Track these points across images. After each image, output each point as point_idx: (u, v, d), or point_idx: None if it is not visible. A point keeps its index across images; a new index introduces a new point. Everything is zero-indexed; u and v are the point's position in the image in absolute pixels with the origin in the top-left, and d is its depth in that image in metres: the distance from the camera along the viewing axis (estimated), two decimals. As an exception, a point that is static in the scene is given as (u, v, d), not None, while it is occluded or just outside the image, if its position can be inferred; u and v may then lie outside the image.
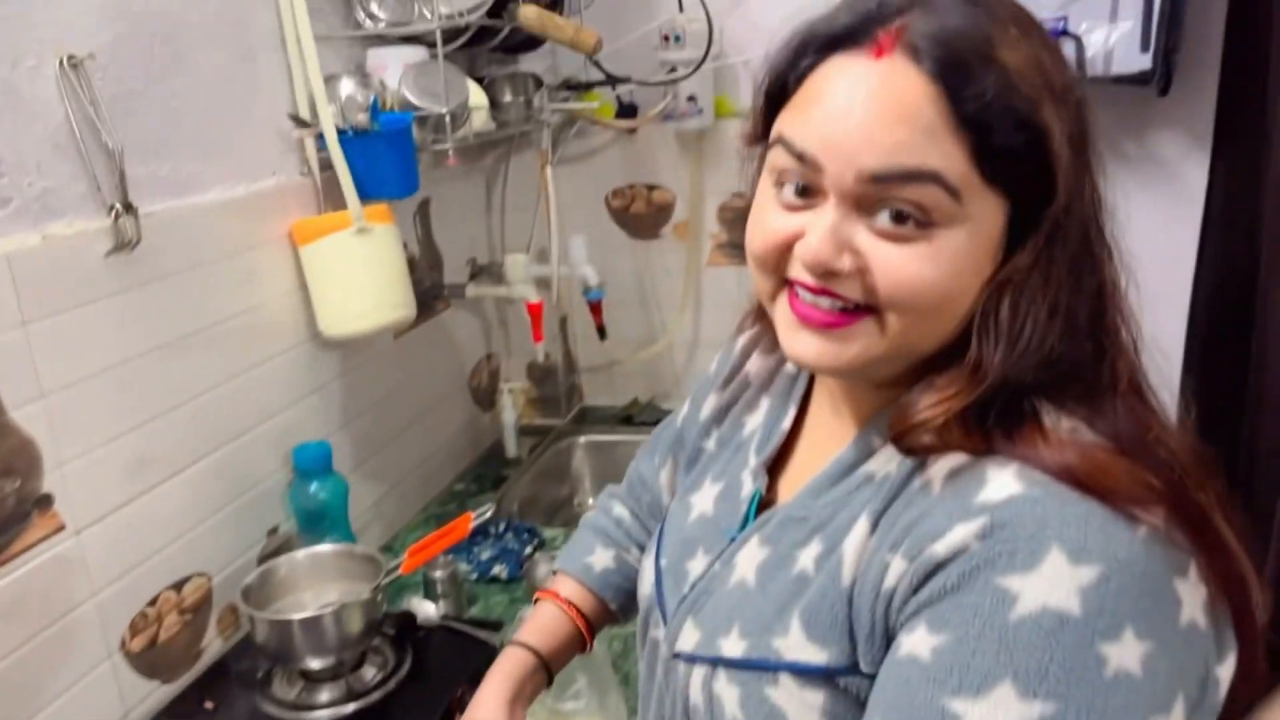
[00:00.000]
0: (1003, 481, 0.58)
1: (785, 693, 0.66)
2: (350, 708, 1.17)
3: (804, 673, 0.65)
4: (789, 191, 0.62)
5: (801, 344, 0.64)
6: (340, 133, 1.41)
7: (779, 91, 0.65)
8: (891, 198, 0.59)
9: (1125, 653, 0.53)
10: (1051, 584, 0.54)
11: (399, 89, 1.50)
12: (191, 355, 1.29)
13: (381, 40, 1.63)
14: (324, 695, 1.20)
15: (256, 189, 1.41)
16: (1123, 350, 0.64)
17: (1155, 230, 1.79)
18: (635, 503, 1.05)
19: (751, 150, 0.71)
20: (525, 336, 2.11)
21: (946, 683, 0.55)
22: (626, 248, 2.21)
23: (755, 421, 0.85)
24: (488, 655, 1.28)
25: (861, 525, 0.65)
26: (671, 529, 0.86)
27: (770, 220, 0.64)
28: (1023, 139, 0.58)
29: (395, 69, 1.56)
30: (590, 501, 2.21)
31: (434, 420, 1.94)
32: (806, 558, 0.69)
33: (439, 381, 1.96)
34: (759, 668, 0.67)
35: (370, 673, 1.23)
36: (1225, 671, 0.58)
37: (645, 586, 0.85)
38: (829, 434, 0.75)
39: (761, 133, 0.68)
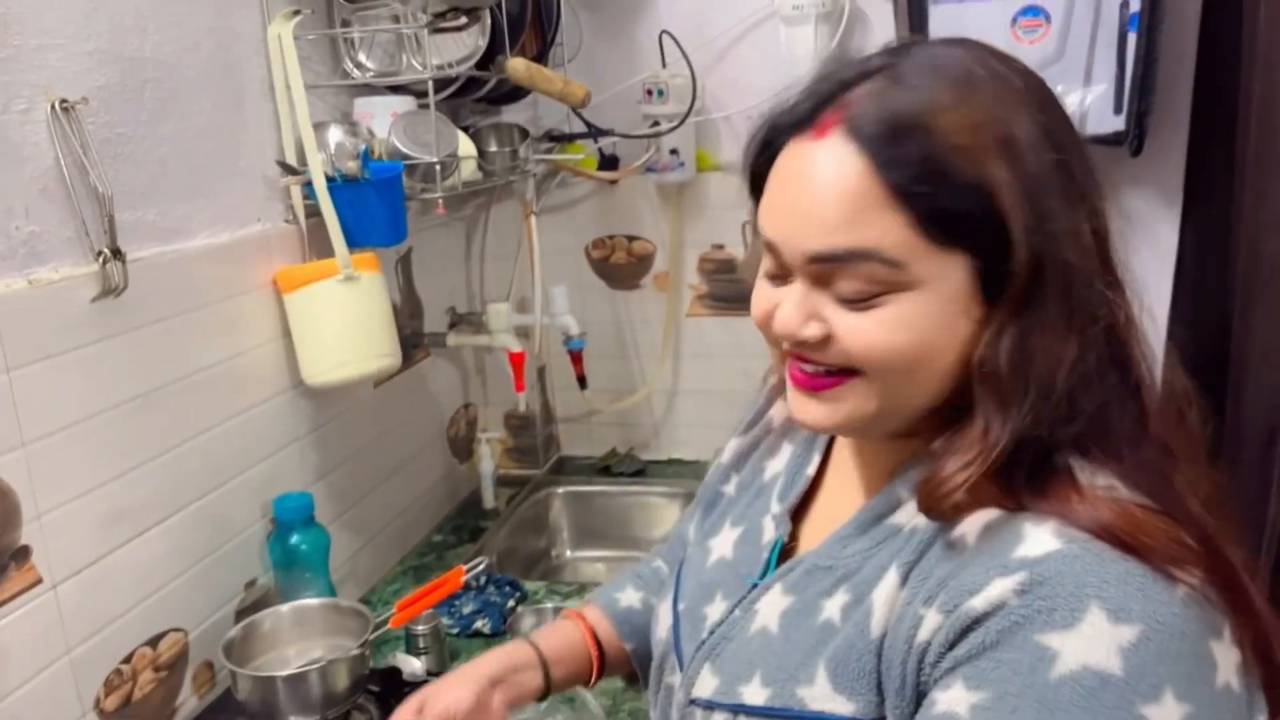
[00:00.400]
0: (1041, 538, 0.58)
1: None
2: (334, 769, 1.13)
3: None
4: (770, 267, 0.67)
5: (800, 407, 0.68)
6: (329, 180, 1.41)
7: (757, 178, 0.69)
8: (840, 273, 0.61)
9: (1166, 715, 0.53)
10: (1092, 643, 0.53)
11: (389, 137, 1.49)
12: (172, 404, 1.26)
13: (369, 89, 1.63)
14: (306, 756, 1.16)
15: (241, 235, 1.40)
16: (1145, 389, 0.63)
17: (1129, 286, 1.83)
18: (673, 557, 1.04)
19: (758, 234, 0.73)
20: (503, 386, 2.10)
21: None
22: (606, 298, 2.21)
23: (777, 467, 0.85)
24: (475, 713, 1.25)
25: (891, 577, 0.65)
26: (689, 573, 0.85)
27: (760, 293, 0.68)
28: (965, 198, 0.59)
29: (382, 118, 1.56)
30: (568, 554, 2.19)
31: (412, 471, 1.91)
32: (833, 607, 0.69)
33: (417, 431, 1.94)
34: (782, 716, 0.67)
35: (355, 732, 1.19)
36: None
37: (661, 630, 0.85)
38: (852, 483, 0.75)
39: (755, 215, 0.71)
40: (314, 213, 1.46)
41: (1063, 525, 0.58)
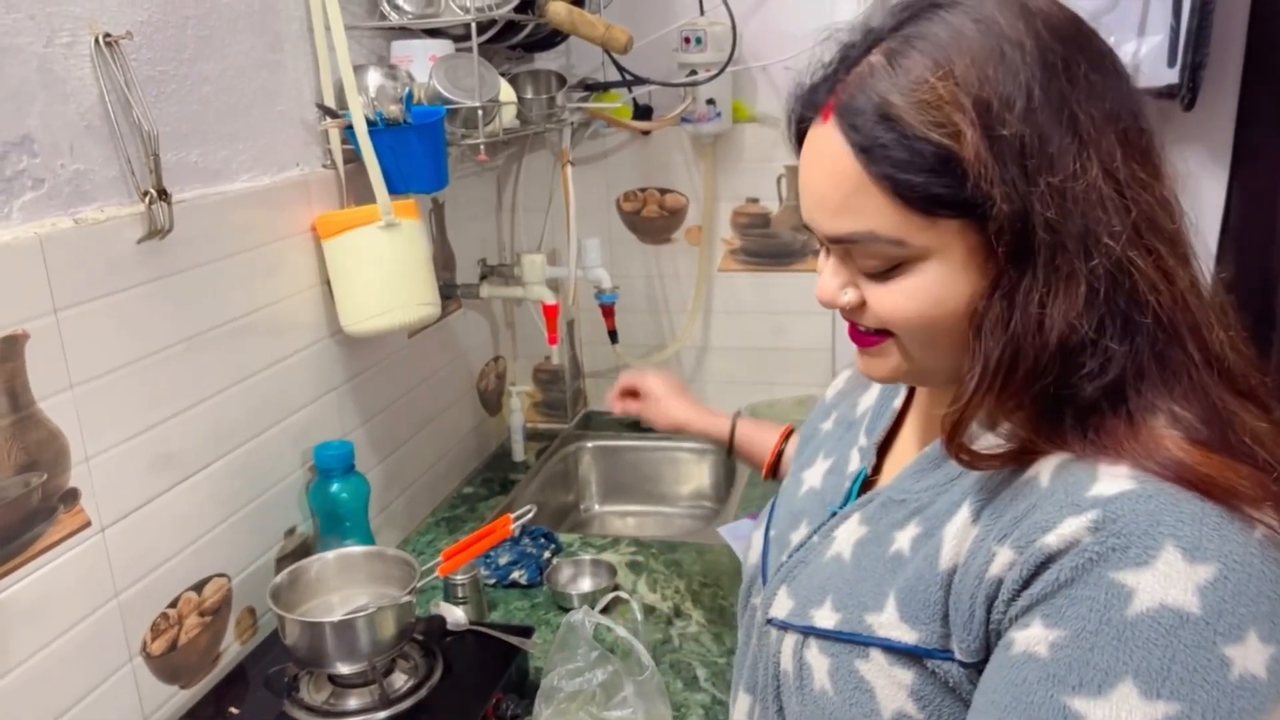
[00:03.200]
0: (1114, 478, 0.58)
1: (875, 668, 0.67)
2: (381, 715, 1.13)
3: (894, 650, 0.66)
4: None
5: (859, 360, 0.73)
6: (369, 124, 1.38)
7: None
8: (854, 251, 0.65)
9: (1250, 656, 0.52)
10: (1168, 581, 0.53)
11: (429, 81, 1.46)
12: (216, 349, 1.25)
13: (406, 32, 1.59)
14: (353, 701, 1.16)
15: (281, 180, 1.37)
16: (1179, 321, 0.61)
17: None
18: None
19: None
20: (531, 339, 2.09)
21: (1066, 680, 0.54)
22: (637, 251, 2.19)
23: (868, 402, 0.88)
24: (519, 661, 1.25)
25: (964, 513, 0.66)
26: (783, 501, 0.89)
27: (820, 260, 0.72)
28: (941, 176, 0.59)
29: (421, 62, 1.53)
30: (596, 508, 2.18)
31: (444, 422, 1.90)
32: (904, 539, 0.70)
33: (449, 383, 1.93)
34: (850, 641, 0.69)
35: (401, 679, 1.19)
36: None
37: (754, 555, 0.88)
38: (931, 420, 0.76)
39: None
40: (352, 158, 1.44)
41: (1136, 467, 0.58)
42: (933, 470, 0.71)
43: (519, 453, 2.07)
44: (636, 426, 2.22)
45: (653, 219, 2.16)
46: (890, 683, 0.66)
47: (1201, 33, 1.60)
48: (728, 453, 1.31)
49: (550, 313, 1.86)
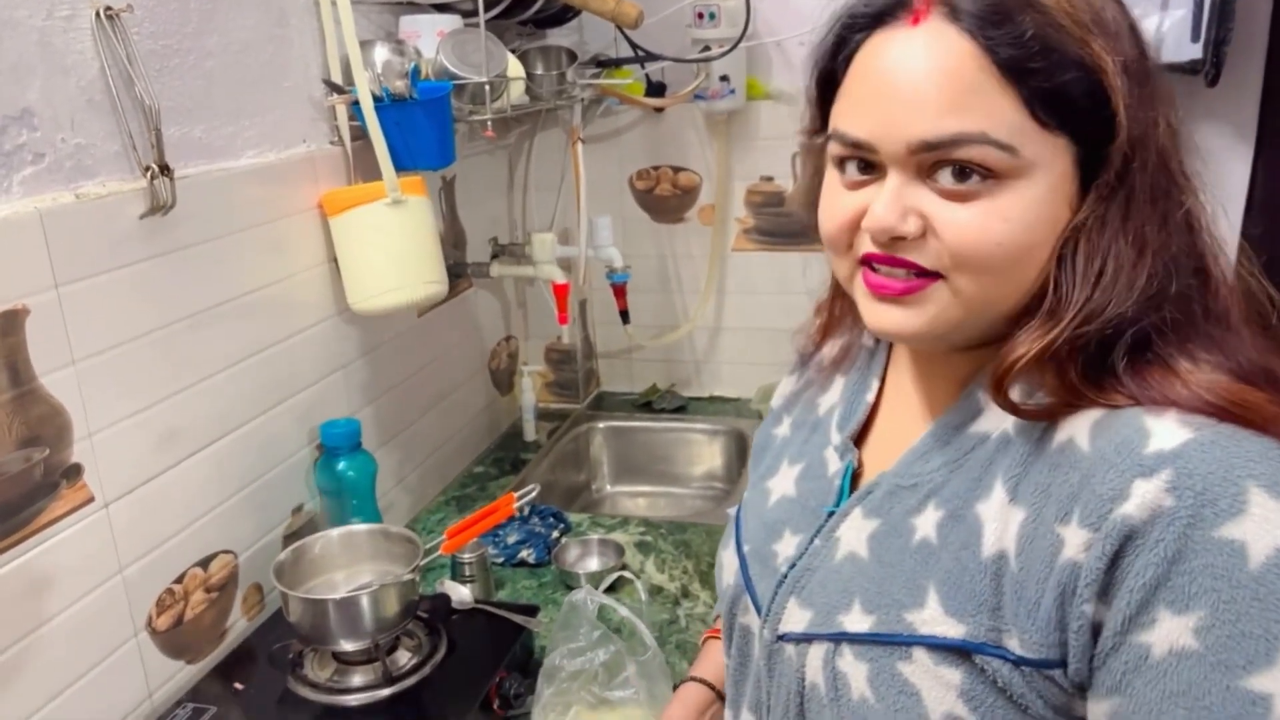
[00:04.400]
0: (1168, 428, 0.56)
1: (919, 669, 0.63)
2: (385, 692, 1.13)
3: (939, 648, 0.62)
4: (852, 171, 0.64)
5: (880, 315, 0.65)
6: (376, 100, 1.37)
7: (829, 79, 0.67)
8: (947, 160, 0.59)
9: None
10: (1269, 523, 0.52)
11: (437, 56, 1.45)
12: (220, 326, 1.24)
13: (414, 7, 1.58)
14: (357, 679, 1.16)
15: (287, 156, 1.37)
16: (1224, 283, 0.63)
17: (1195, 224, 1.77)
18: None
19: (812, 142, 0.72)
20: (543, 319, 2.08)
21: (1232, 663, 0.52)
22: (650, 231, 2.17)
23: (830, 400, 0.84)
24: (524, 640, 1.24)
25: (999, 492, 0.63)
26: (749, 516, 0.84)
27: (838, 201, 0.65)
28: (1073, 77, 0.58)
29: (429, 37, 1.52)
30: (608, 488, 2.18)
31: (454, 402, 1.89)
32: (926, 525, 0.67)
33: (460, 362, 1.92)
34: (890, 642, 0.65)
35: (405, 657, 1.19)
36: None
37: (729, 575, 0.83)
38: (916, 403, 0.74)
39: (820, 123, 0.69)
40: (359, 135, 1.42)
41: (1182, 413, 0.56)
42: (941, 448, 0.68)
43: (530, 432, 2.06)
44: (648, 406, 2.21)
45: (666, 198, 2.14)
46: (937, 684, 0.62)
47: (1226, 7, 1.57)
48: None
49: (560, 292, 1.85)
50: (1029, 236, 0.59)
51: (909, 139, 0.59)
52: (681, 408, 2.20)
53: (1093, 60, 0.57)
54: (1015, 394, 0.62)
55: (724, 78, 1.92)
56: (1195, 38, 1.61)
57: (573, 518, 1.70)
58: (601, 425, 2.17)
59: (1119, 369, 0.59)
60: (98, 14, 1.06)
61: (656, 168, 2.12)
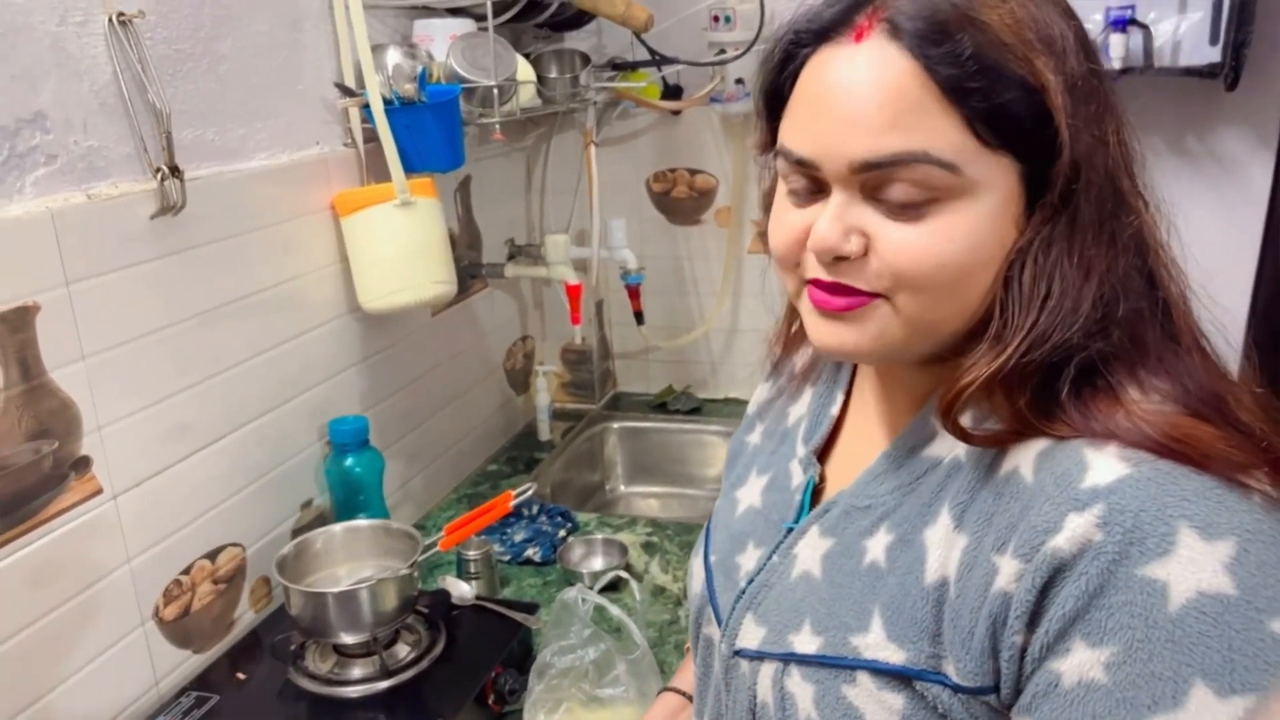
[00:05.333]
0: (1106, 463, 0.55)
1: (863, 693, 0.63)
2: (383, 685, 1.15)
3: (882, 672, 0.62)
4: (798, 188, 0.63)
5: (824, 332, 0.64)
6: (386, 103, 1.39)
7: (776, 95, 0.66)
8: (890, 179, 0.58)
9: None
10: (1195, 565, 0.51)
11: (446, 60, 1.47)
12: (231, 323, 1.27)
13: (428, 11, 1.60)
14: (356, 671, 1.18)
15: (300, 158, 1.39)
16: (1176, 304, 0.61)
17: (1216, 231, 1.74)
18: None
19: (764, 158, 0.71)
20: (560, 319, 2.09)
21: (1138, 701, 0.51)
22: (666, 232, 2.18)
23: (799, 411, 0.83)
24: (522, 636, 1.26)
25: (944, 519, 0.62)
26: (719, 525, 0.84)
27: (785, 219, 0.64)
28: (1015, 96, 0.56)
29: (442, 41, 1.54)
30: (622, 488, 2.19)
31: (468, 401, 1.92)
32: (876, 548, 0.66)
33: (474, 362, 1.94)
34: (835, 665, 0.65)
35: (404, 650, 1.21)
36: None
37: (696, 585, 0.83)
38: (878, 419, 0.73)
39: (769, 139, 0.68)
40: (373, 137, 1.45)
41: (1123, 447, 0.55)
42: (895, 471, 0.67)
43: (545, 432, 2.08)
44: (663, 408, 2.22)
45: (682, 200, 2.15)
46: (880, 708, 0.62)
47: (1245, 9, 1.55)
48: None
49: (573, 293, 1.86)
50: (972, 257, 0.58)
51: (850, 158, 0.59)
52: (696, 409, 2.20)
53: (1035, 79, 0.56)
54: (966, 419, 0.62)
55: (739, 81, 1.93)
56: (1214, 40, 1.59)
57: (581, 517, 1.71)
58: (616, 425, 2.18)
59: (1064, 398, 0.58)
60: (111, 19, 1.09)
61: (673, 170, 2.13)
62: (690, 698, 0.93)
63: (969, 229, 0.58)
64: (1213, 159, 1.75)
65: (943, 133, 0.57)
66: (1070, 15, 0.60)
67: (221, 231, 1.25)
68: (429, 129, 1.41)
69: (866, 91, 0.58)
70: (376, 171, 1.49)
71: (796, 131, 0.62)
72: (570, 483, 2.04)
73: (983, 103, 0.56)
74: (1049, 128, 0.57)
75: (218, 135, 1.25)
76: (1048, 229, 0.58)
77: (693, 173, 2.12)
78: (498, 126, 1.51)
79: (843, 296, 0.62)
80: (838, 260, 0.61)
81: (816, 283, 0.63)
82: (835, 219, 0.60)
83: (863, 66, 0.58)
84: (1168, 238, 0.62)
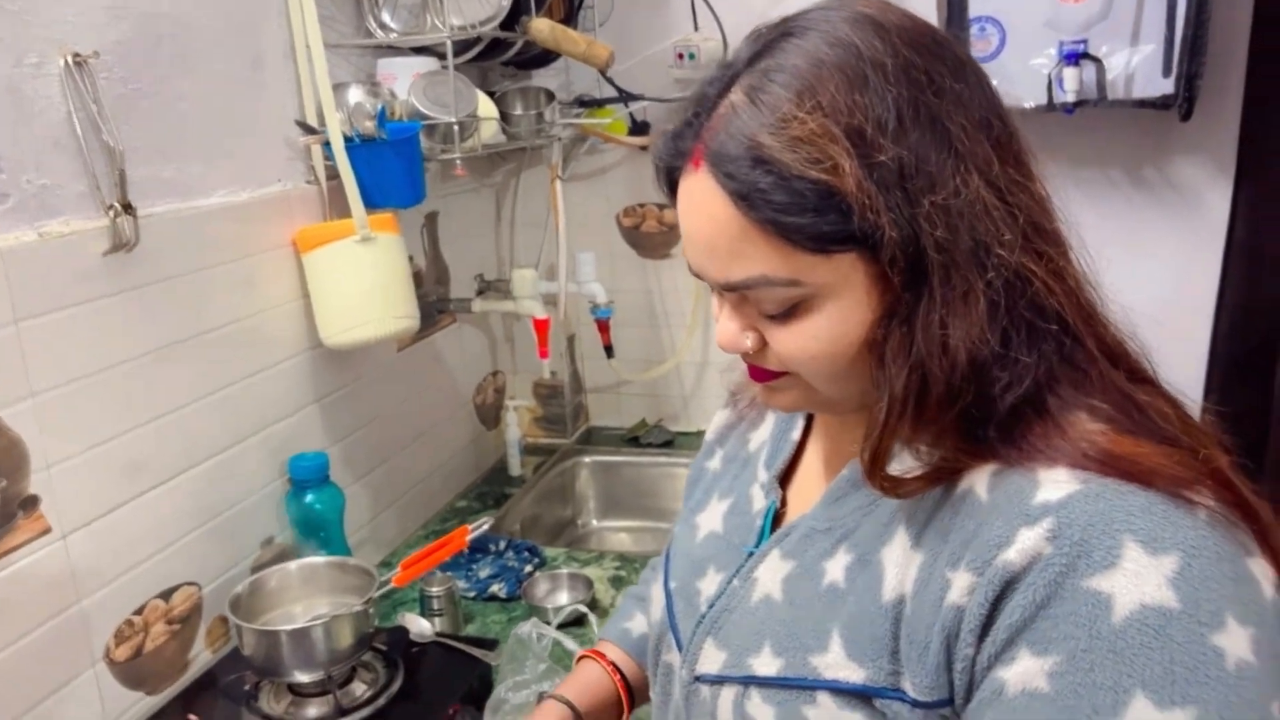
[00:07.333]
0: (1056, 481, 0.56)
1: (824, 713, 0.63)
2: (338, 724, 1.14)
3: (842, 692, 0.63)
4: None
5: (760, 394, 0.70)
6: (347, 140, 1.40)
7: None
8: (749, 296, 0.63)
9: (1236, 642, 0.51)
10: (1139, 578, 0.52)
11: (408, 98, 1.48)
12: (188, 360, 1.27)
13: (393, 50, 1.62)
14: (312, 710, 1.16)
15: (261, 195, 1.40)
16: (1086, 325, 0.61)
17: (1175, 260, 1.76)
18: None
19: None
20: (532, 354, 2.09)
21: (1078, 710, 0.52)
22: (637, 266, 2.19)
23: (762, 436, 0.84)
24: (481, 673, 1.25)
25: (901, 537, 0.63)
26: (678, 552, 0.84)
27: (714, 308, 0.69)
28: (826, 210, 0.57)
29: (405, 79, 1.55)
30: (594, 523, 2.18)
31: (437, 436, 1.91)
32: (835, 569, 0.67)
33: (443, 397, 1.94)
34: (796, 687, 0.65)
35: (360, 689, 1.20)
36: None
37: (656, 611, 0.83)
38: (837, 444, 0.74)
39: None
40: (335, 174, 1.46)
41: (1073, 466, 0.56)
42: (853, 492, 0.69)
43: (515, 467, 2.07)
44: (636, 441, 2.22)
45: (652, 234, 2.16)
46: None
47: (1197, 42, 1.57)
48: None
49: (541, 327, 1.87)
50: (841, 348, 0.61)
51: (714, 281, 0.63)
52: (669, 442, 2.20)
53: (837, 189, 0.56)
54: (903, 462, 0.63)
55: (705, 116, 1.94)
56: (1167, 73, 1.61)
57: (550, 552, 1.70)
58: (588, 459, 2.18)
59: (1006, 431, 0.60)
60: (66, 61, 1.10)
61: (642, 204, 2.14)
62: (569, 704, 0.92)
63: (829, 326, 0.61)
64: (1171, 189, 1.77)
65: (772, 257, 0.59)
66: (912, 70, 0.58)
67: (178, 268, 1.25)
68: (389, 165, 1.42)
69: (704, 225, 0.61)
70: (339, 208, 1.50)
71: (684, 246, 0.66)
72: (541, 517, 2.03)
73: (794, 225, 0.57)
74: (868, 223, 0.57)
75: (176, 172, 1.26)
76: (906, 301, 0.59)
77: (661, 207, 2.13)
78: (459, 162, 1.52)
79: (761, 374, 0.67)
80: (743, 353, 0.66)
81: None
82: (728, 319, 0.65)
83: (697, 201, 0.61)
84: (1057, 221, 0.62)
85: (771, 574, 0.71)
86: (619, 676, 0.95)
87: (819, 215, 0.57)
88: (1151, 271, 1.75)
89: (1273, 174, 1.73)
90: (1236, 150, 1.73)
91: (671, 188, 0.66)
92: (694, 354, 2.20)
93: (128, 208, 1.14)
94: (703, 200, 0.60)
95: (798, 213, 0.57)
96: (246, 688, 1.19)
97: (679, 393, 2.25)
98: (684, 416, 2.26)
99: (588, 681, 0.95)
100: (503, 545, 1.68)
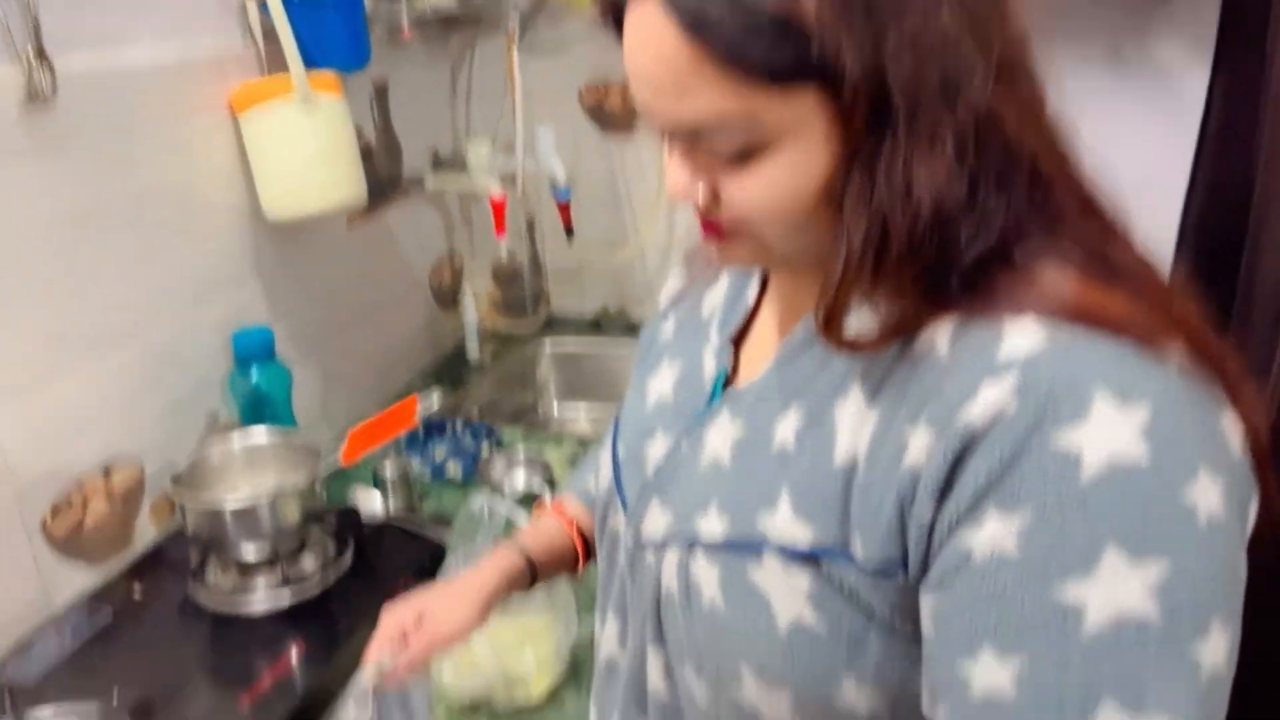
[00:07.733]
0: (1021, 332, 0.53)
1: (769, 575, 0.61)
2: (286, 599, 1.12)
3: (789, 553, 0.60)
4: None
5: (712, 251, 0.65)
6: (284, -6, 1.30)
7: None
8: (701, 139, 0.57)
9: (1208, 495, 0.50)
10: (1110, 432, 0.49)
11: (351, -51, 1.38)
12: (118, 227, 1.20)
13: (336, -101, 1.50)
14: (259, 587, 1.14)
15: (191, 50, 1.31)
16: (1057, 174, 0.57)
17: (1149, 142, 1.72)
18: None
19: None
20: (489, 235, 2.03)
21: (1048, 570, 0.50)
22: (599, 144, 2.11)
23: (715, 299, 0.80)
24: (434, 552, 1.23)
25: (856, 394, 0.60)
26: (629, 416, 0.81)
27: (664, 155, 0.63)
28: (785, 39, 0.51)
29: (350, -69, 1.45)
30: (555, 409, 2.16)
31: (390, 316, 1.86)
32: (786, 429, 0.64)
33: (396, 276, 1.88)
34: (741, 546, 0.63)
35: (309, 565, 1.17)
36: (1253, 509, 0.54)
37: (604, 478, 0.81)
38: (791, 306, 0.70)
39: None
40: (274, 35, 1.36)
41: (1041, 315, 0.53)
42: (806, 351, 0.66)
43: (474, 351, 2.03)
44: (598, 326, 2.18)
45: (615, 111, 2.07)
46: (786, 589, 0.61)
47: (1185, -93, 1.50)
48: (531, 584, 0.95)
49: (497, 205, 1.80)
50: (798, 198, 0.56)
51: (660, 122, 0.57)
52: (632, 327, 2.17)
53: (795, 15, 0.51)
54: (861, 318, 0.60)
55: (671, -16, 1.84)
56: (1152, -57, 1.54)
57: (507, 435, 1.68)
58: (549, 345, 2.14)
59: (971, 282, 0.56)
60: (-36, -112, 1.00)
61: (606, 80, 2.05)
62: (528, 557, 0.91)
63: (786, 172, 0.56)
64: (1150, 67, 1.72)
65: (725, 92, 0.53)
66: None
67: (103, 126, 1.17)
68: (330, 22, 1.33)
69: (651, 59, 0.55)
70: (278, 70, 1.40)
71: (630, 84, 0.59)
72: (501, 402, 2.00)
73: (751, 56, 0.52)
74: (826, 55, 0.51)
75: (96, 22, 1.16)
76: (867, 145, 0.54)
77: (626, 83, 2.04)
78: (405, 25, 1.42)
79: (713, 229, 0.62)
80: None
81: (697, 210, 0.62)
82: (678, 167, 0.60)
83: (642, 34, 0.55)
84: (1029, 52, 0.57)
85: (721, 436, 0.69)
86: (575, 530, 0.95)
87: (775, 45, 0.52)
88: (1124, 153, 1.71)
89: (1252, 58, 1.68)
90: (1217, 31, 1.68)
91: (618, 24, 0.59)
92: (658, 236, 2.15)
93: (41, 54, 1.06)
94: (650, 32, 0.55)
95: (752, 42, 0.52)
96: (192, 565, 1.16)
97: (642, 277, 2.20)
98: (648, 301, 2.22)
99: (546, 534, 0.94)
100: (460, 427, 1.65)
